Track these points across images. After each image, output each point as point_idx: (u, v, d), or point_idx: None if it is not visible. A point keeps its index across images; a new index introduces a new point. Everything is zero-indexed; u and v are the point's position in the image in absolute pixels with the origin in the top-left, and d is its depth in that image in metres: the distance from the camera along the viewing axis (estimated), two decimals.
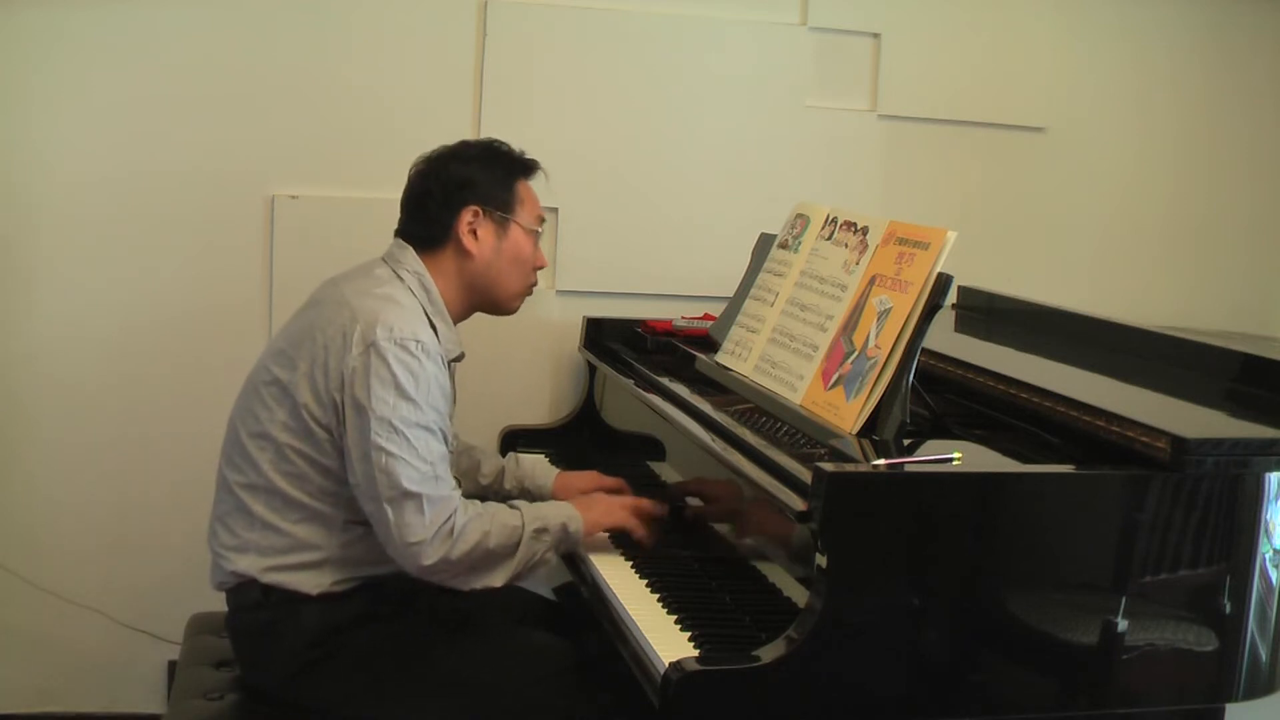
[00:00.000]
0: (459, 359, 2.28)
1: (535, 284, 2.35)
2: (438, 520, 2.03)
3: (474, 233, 2.22)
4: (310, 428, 2.08)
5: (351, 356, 2.04)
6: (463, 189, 2.22)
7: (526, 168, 2.31)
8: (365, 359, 2.04)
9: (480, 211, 2.22)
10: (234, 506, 2.14)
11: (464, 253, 2.22)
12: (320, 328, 2.10)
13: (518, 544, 2.09)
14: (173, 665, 2.81)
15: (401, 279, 2.19)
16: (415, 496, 2.01)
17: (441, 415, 2.10)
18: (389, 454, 2.01)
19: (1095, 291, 3.30)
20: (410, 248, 2.23)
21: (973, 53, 3.25)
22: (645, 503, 2.26)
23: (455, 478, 2.45)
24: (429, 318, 2.16)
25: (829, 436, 1.96)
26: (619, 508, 2.24)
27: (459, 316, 2.28)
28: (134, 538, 2.93)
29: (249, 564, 2.11)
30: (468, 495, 2.40)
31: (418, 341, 2.07)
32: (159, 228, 2.87)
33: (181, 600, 2.57)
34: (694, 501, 2.33)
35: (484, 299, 2.29)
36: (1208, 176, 3.44)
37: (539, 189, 2.33)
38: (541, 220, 2.33)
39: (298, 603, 2.10)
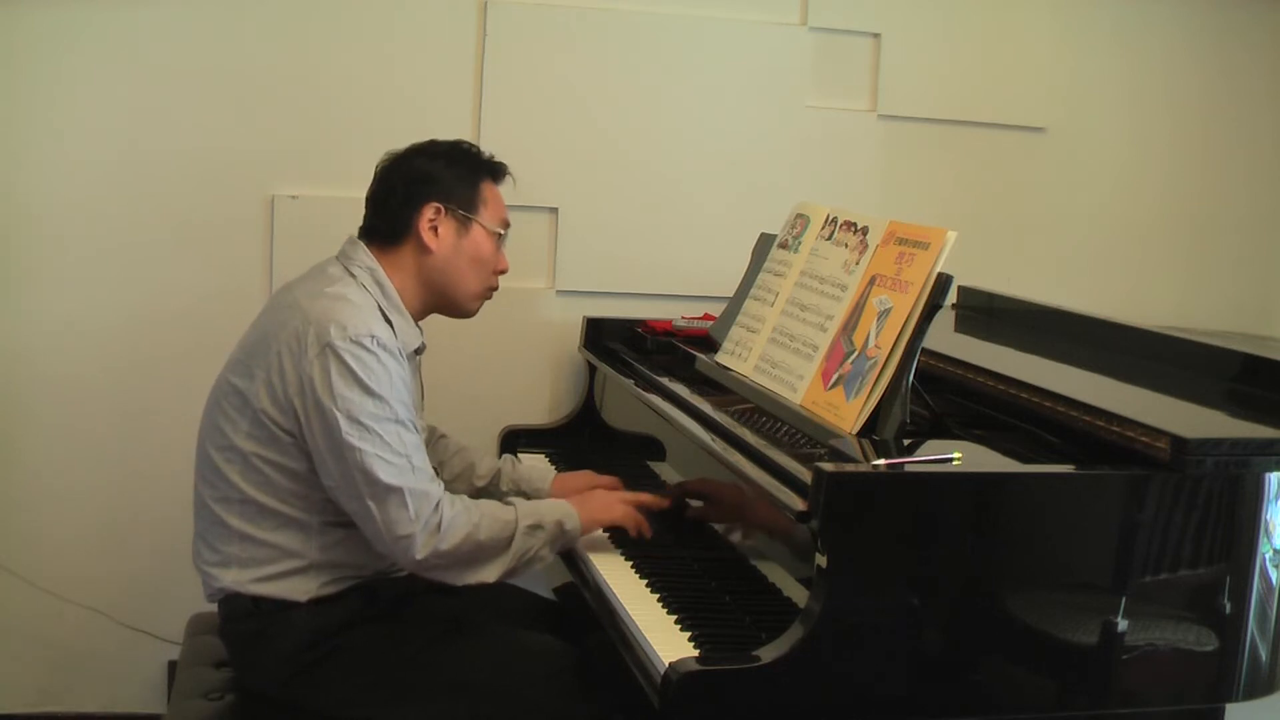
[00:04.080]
0: (420, 351, 2.28)
1: (495, 287, 2.31)
2: (423, 513, 2.02)
3: (434, 229, 2.19)
4: (274, 434, 2.07)
5: (308, 360, 2.03)
6: (426, 185, 2.20)
7: (494, 170, 2.28)
8: (323, 360, 2.02)
9: (442, 209, 2.20)
10: (212, 522, 2.14)
11: (423, 249, 2.20)
12: (274, 334, 2.09)
13: (511, 538, 2.09)
14: (173, 665, 2.81)
15: (354, 275, 2.16)
16: (396, 490, 2.01)
17: (407, 407, 2.09)
18: (362, 451, 2.00)
19: (1095, 291, 3.30)
20: (362, 244, 2.21)
21: (973, 53, 3.25)
22: (645, 496, 2.27)
23: (434, 467, 2.45)
24: (384, 313, 2.14)
25: (829, 436, 1.96)
26: (617, 503, 2.24)
27: (417, 314, 2.25)
28: (135, 538, 2.93)
29: (234, 578, 2.10)
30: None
31: (372, 337, 2.05)
32: (159, 228, 2.87)
33: (181, 600, 2.57)
34: (694, 501, 2.32)
35: (442, 298, 2.25)
36: (1207, 176, 3.44)
37: (507, 195, 2.30)
38: (505, 224, 2.29)
39: (289, 609, 2.09)
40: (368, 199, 2.26)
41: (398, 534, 2.02)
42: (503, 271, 2.30)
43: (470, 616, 2.22)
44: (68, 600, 2.92)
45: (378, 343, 2.05)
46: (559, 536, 2.15)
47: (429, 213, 2.19)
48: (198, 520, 2.19)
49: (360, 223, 2.27)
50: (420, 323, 2.29)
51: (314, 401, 2.02)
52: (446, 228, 2.20)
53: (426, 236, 2.19)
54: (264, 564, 2.10)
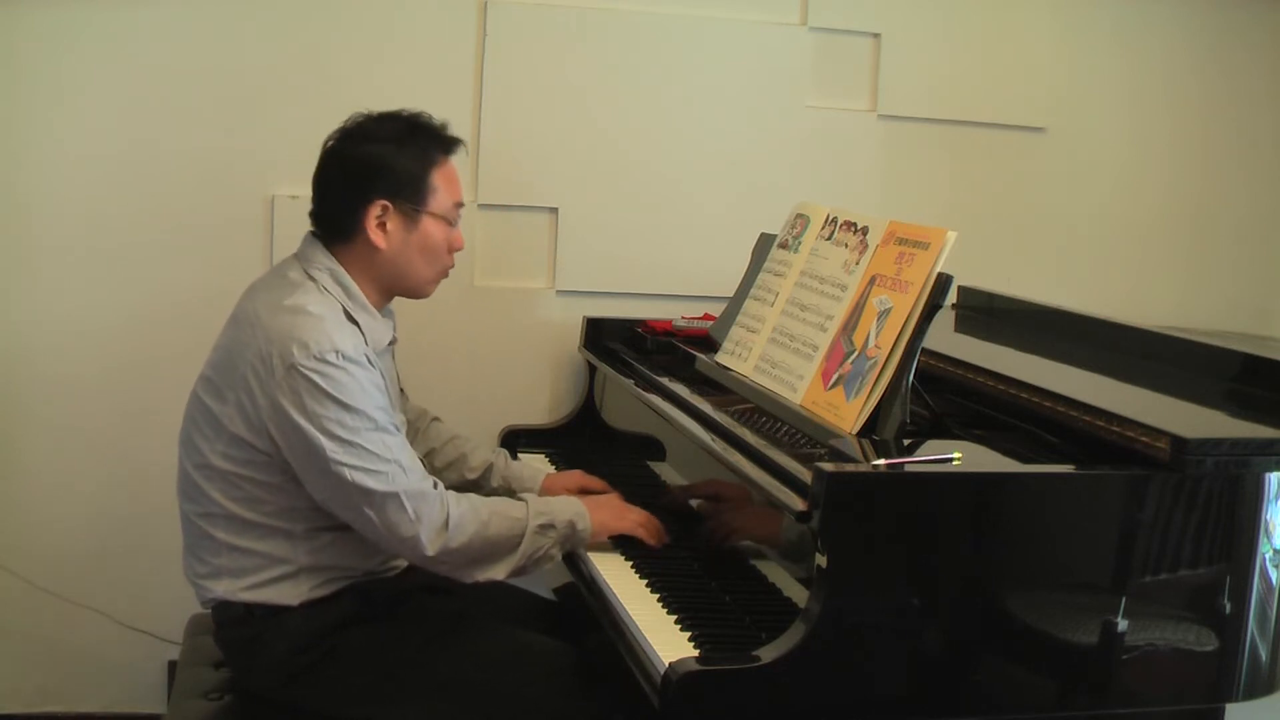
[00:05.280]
0: (393, 343, 2.25)
1: (451, 266, 2.23)
2: (423, 511, 2.02)
3: (382, 226, 2.11)
4: (251, 456, 2.05)
5: (275, 383, 1.99)
6: (372, 177, 2.10)
7: (446, 145, 2.18)
8: (291, 383, 1.98)
9: (389, 206, 2.11)
10: (198, 536, 2.13)
11: (372, 246, 2.12)
12: (239, 353, 2.05)
13: (521, 536, 2.09)
14: (173, 665, 2.81)
15: (314, 279, 2.11)
16: (392, 495, 2.00)
17: (385, 411, 2.05)
18: (350, 467, 1.98)
19: (1095, 291, 3.30)
20: (320, 244, 2.15)
21: (973, 53, 3.25)
22: (655, 520, 2.23)
23: (424, 454, 2.43)
24: (349, 314, 2.10)
25: (829, 436, 1.96)
26: (630, 514, 2.23)
27: (379, 304, 2.20)
28: (134, 538, 2.93)
29: (225, 588, 2.10)
30: (454, 488, 2.40)
31: (336, 351, 2.00)
32: (159, 228, 2.87)
33: (181, 600, 2.55)
34: (695, 501, 2.32)
35: (396, 288, 2.20)
36: (1207, 176, 3.44)
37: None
38: (459, 205, 2.19)
39: (281, 614, 2.09)
40: (314, 183, 2.18)
41: (402, 535, 2.02)
42: (457, 249, 2.22)
43: (469, 616, 2.22)
44: (68, 600, 2.92)
45: (342, 356, 2.00)
46: (570, 536, 2.15)
47: (375, 210, 2.11)
48: (185, 535, 2.18)
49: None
50: (393, 309, 2.26)
51: (291, 426, 1.99)
52: (394, 223, 2.12)
53: (375, 236, 2.11)
54: (253, 572, 2.09)
